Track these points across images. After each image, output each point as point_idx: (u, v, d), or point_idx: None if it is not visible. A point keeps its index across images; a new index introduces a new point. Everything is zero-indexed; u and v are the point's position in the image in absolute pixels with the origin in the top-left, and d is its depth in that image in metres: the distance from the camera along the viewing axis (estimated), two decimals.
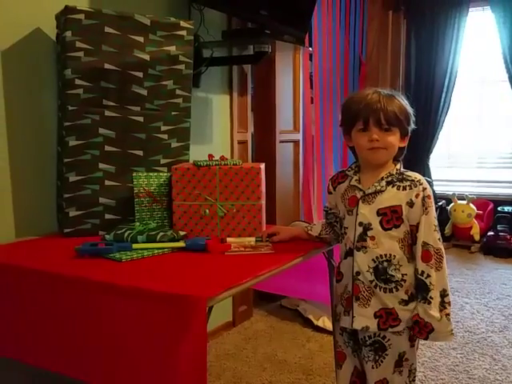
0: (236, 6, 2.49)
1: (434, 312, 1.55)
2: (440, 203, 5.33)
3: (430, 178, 5.44)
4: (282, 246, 1.74)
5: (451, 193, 5.24)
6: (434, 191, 5.29)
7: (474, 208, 5.09)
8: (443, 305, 1.55)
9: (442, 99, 5.34)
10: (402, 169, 1.66)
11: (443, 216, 5.27)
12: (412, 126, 1.67)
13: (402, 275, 1.58)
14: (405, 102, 1.67)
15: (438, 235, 1.58)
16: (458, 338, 3.02)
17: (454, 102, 5.41)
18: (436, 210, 4.80)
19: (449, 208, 5.23)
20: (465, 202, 5.11)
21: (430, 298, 1.55)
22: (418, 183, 1.61)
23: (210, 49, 2.61)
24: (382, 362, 1.65)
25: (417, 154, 5.53)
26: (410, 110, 1.66)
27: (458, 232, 5.18)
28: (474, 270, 4.43)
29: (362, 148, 1.61)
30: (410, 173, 1.65)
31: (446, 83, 5.31)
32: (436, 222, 1.59)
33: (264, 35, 2.51)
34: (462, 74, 5.40)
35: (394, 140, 1.62)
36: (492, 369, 2.63)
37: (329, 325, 2.96)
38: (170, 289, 1.30)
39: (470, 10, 5.22)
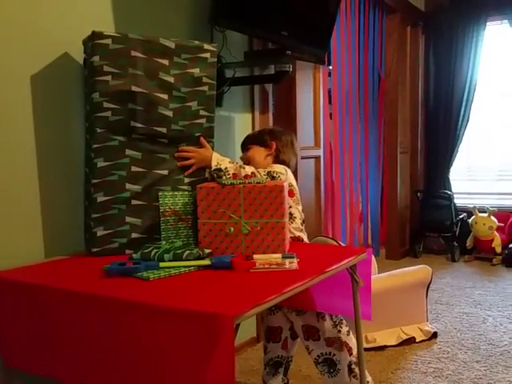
0: (258, 28, 2.55)
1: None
2: (461, 216, 5.31)
3: (451, 190, 5.43)
4: (307, 262, 1.77)
5: (472, 205, 5.23)
6: (454, 204, 5.27)
7: (495, 220, 5.07)
8: None
9: (462, 112, 5.35)
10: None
11: (464, 229, 5.26)
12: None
13: None
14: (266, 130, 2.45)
15: None
16: (482, 350, 3.00)
17: (474, 115, 5.42)
18: (457, 223, 4.79)
19: (470, 221, 5.21)
20: (486, 215, 5.10)
21: None
22: None
23: (232, 69, 2.66)
24: None
25: (437, 168, 5.54)
26: (268, 132, 2.37)
27: (480, 245, 5.16)
28: (496, 282, 4.41)
29: None
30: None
31: (465, 97, 5.32)
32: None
33: (285, 55, 2.55)
34: (481, 87, 5.41)
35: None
36: None
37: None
38: (197, 307, 1.33)
39: (488, 23, 5.24)
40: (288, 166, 2.29)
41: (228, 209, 1.91)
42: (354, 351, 2.15)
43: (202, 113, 2.11)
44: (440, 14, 5.38)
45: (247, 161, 2.30)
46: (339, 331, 2.14)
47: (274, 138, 2.31)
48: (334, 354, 2.13)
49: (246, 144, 2.36)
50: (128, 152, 1.97)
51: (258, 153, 2.29)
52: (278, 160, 2.29)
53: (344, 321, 2.18)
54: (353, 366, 2.13)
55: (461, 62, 5.31)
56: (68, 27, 2.05)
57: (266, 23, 2.56)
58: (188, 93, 2.07)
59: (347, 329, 2.17)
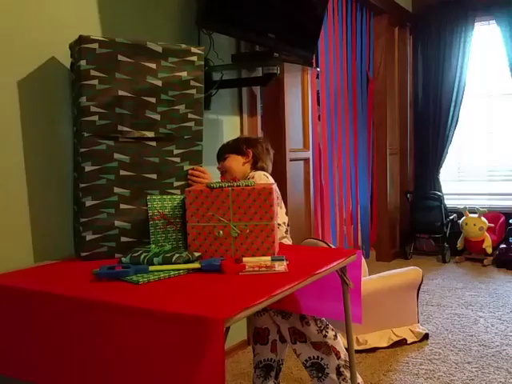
0: (244, 31, 2.55)
1: None
2: (451, 217, 5.33)
3: (441, 191, 5.45)
4: (296, 264, 1.77)
5: (462, 206, 5.25)
6: (445, 205, 5.29)
7: (486, 221, 5.09)
8: None
9: (451, 113, 5.38)
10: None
11: (455, 230, 5.27)
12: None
13: None
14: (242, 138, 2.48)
15: None
16: (473, 351, 3.01)
17: (463, 116, 5.44)
18: (448, 224, 4.81)
19: (460, 222, 5.23)
20: (476, 216, 5.12)
21: None
22: None
23: (219, 72, 2.66)
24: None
25: (427, 169, 5.56)
26: (243, 140, 2.39)
27: (471, 245, 5.18)
28: (487, 283, 4.42)
29: None
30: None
31: (454, 97, 5.35)
32: None
33: (272, 58, 2.55)
34: (470, 87, 5.44)
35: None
36: (508, 382, 2.62)
37: (343, 341, 2.96)
38: (187, 310, 1.32)
39: (476, 24, 5.28)
40: (267, 172, 2.32)
41: (217, 212, 1.91)
42: (342, 354, 2.16)
43: (190, 116, 2.11)
44: (428, 15, 5.41)
45: (225, 170, 2.33)
46: (325, 336, 2.15)
47: (250, 145, 2.34)
48: (322, 359, 2.14)
49: (223, 153, 2.37)
50: (116, 156, 1.97)
51: (236, 161, 2.32)
52: (255, 167, 2.33)
53: (330, 325, 2.19)
54: (341, 369, 2.14)
55: (449, 63, 5.34)
56: (55, 32, 2.04)
57: (252, 25, 2.56)
58: (176, 96, 2.07)
59: (334, 333, 2.18)
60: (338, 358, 2.14)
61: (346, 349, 2.19)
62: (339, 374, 2.13)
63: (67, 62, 2.05)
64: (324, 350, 2.14)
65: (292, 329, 2.17)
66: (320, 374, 2.15)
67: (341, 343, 2.19)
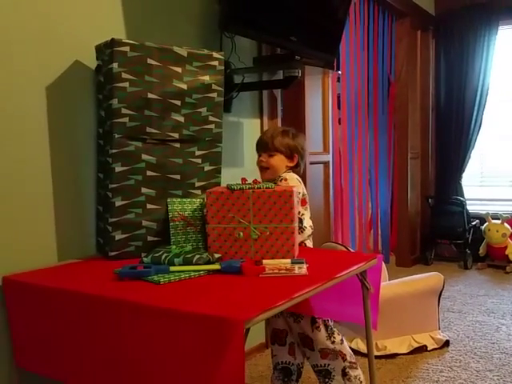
0: (266, 34, 2.55)
1: None
2: (474, 223, 5.26)
3: (463, 197, 5.38)
4: (316, 268, 1.76)
5: (485, 212, 5.18)
6: (467, 210, 5.22)
7: (509, 227, 5.02)
8: None
9: (474, 118, 5.30)
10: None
11: (477, 236, 5.20)
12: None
13: None
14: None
15: None
16: (495, 359, 2.97)
17: (486, 120, 5.36)
18: (470, 230, 4.71)
19: (483, 228, 5.15)
20: (499, 222, 5.04)
21: None
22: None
23: (241, 75, 2.67)
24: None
25: (449, 173, 5.49)
26: (292, 137, 2.29)
27: (493, 252, 5.10)
28: (509, 290, 4.35)
29: None
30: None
31: (477, 101, 5.27)
32: None
33: (294, 61, 2.55)
34: (494, 91, 5.36)
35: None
36: None
37: (363, 347, 2.94)
38: (207, 311, 1.33)
39: (500, 27, 5.21)
40: (299, 175, 2.31)
41: (237, 214, 1.91)
42: (348, 356, 2.19)
43: (210, 118, 2.15)
44: (451, 18, 5.35)
45: (268, 166, 2.28)
46: (333, 342, 2.17)
47: (296, 151, 2.29)
48: (329, 364, 2.18)
49: (271, 149, 2.27)
50: (144, 157, 2.00)
51: (282, 162, 2.28)
52: (292, 170, 2.31)
53: (336, 330, 2.21)
54: (347, 370, 2.18)
55: (472, 66, 5.27)
56: (79, 33, 2.06)
57: (274, 29, 2.56)
58: (198, 99, 2.11)
59: (340, 337, 2.20)
60: (344, 360, 2.18)
61: (364, 354, 2.18)
62: (344, 374, 2.18)
63: (90, 63, 2.07)
64: (331, 356, 2.18)
65: (302, 334, 2.20)
66: (327, 379, 2.20)
67: (347, 346, 2.23)
